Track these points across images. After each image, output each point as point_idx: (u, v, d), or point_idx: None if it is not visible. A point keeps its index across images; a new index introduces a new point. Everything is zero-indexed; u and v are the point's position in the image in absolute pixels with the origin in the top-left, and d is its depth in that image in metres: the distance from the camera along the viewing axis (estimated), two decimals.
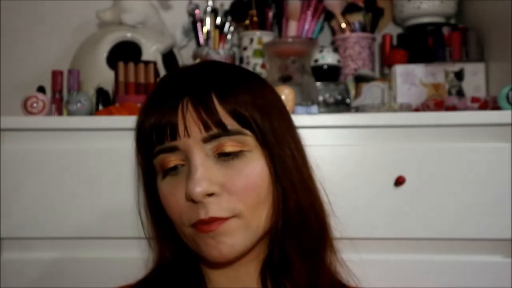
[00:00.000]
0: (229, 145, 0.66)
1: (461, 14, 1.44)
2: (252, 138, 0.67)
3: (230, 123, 0.66)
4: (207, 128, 0.66)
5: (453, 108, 1.10)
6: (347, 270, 0.84)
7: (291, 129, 0.74)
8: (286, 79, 1.21)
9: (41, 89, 1.23)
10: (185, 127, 0.66)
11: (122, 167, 1.01)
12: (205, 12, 1.44)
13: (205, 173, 0.64)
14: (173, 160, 0.67)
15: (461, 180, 1.01)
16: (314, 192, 0.74)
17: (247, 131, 0.67)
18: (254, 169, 0.67)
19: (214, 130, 0.66)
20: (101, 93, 1.18)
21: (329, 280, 0.75)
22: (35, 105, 1.08)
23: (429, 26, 1.38)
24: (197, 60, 1.37)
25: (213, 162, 0.66)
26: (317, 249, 0.73)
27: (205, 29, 1.44)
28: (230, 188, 0.65)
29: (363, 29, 1.41)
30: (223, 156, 0.66)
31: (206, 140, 0.66)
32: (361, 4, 1.41)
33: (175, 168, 0.67)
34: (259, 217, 0.68)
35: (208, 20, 1.44)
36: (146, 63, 1.21)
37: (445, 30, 1.34)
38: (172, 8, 1.52)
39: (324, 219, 0.74)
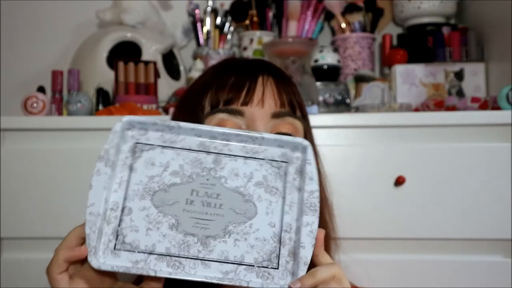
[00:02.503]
0: (287, 127, 0.70)
1: (461, 14, 1.44)
2: (302, 128, 0.72)
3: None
4: (282, 104, 0.70)
5: (453, 108, 1.10)
6: (347, 270, 0.84)
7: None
8: None
9: (41, 89, 1.23)
10: (262, 97, 0.69)
11: None
12: (205, 12, 1.44)
13: None
14: (231, 123, 0.68)
15: (461, 180, 1.01)
16: (327, 192, 0.79)
17: (303, 121, 0.73)
18: None
19: (286, 108, 0.71)
20: (101, 93, 1.18)
21: None
22: (35, 105, 1.08)
23: (429, 26, 1.38)
24: (197, 60, 1.37)
25: None
26: (327, 246, 0.75)
27: (205, 29, 1.44)
28: None
29: (363, 29, 1.40)
30: None
31: (275, 115, 0.70)
32: (361, 4, 1.41)
33: None
34: None
35: (208, 20, 1.44)
36: (146, 63, 1.21)
37: (445, 30, 1.34)
38: (172, 8, 1.52)
39: (333, 218, 0.79)
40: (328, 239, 0.80)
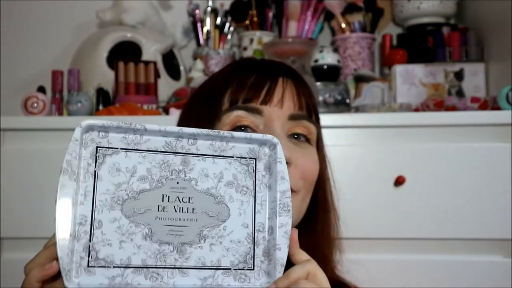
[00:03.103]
0: (302, 129, 0.71)
1: (461, 14, 1.44)
2: (315, 133, 0.73)
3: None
4: (300, 107, 0.71)
5: (453, 108, 1.10)
6: (347, 270, 0.84)
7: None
8: None
9: (41, 89, 1.23)
10: (282, 98, 0.70)
11: None
12: (205, 12, 1.44)
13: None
14: (248, 120, 0.69)
15: (461, 180, 1.01)
16: (333, 196, 0.80)
17: (316, 125, 0.74)
18: (315, 157, 0.72)
19: (304, 112, 0.71)
20: (101, 93, 1.18)
21: (330, 277, 0.76)
22: (35, 105, 1.08)
23: (429, 26, 1.38)
24: (197, 60, 1.37)
25: (284, 139, 0.69)
26: (330, 246, 0.78)
27: (205, 29, 1.44)
28: (297, 164, 0.68)
29: (363, 29, 1.41)
30: (293, 138, 0.70)
31: (292, 117, 0.70)
32: (361, 4, 1.41)
33: (245, 128, 0.69)
34: (307, 202, 0.72)
35: (208, 20, 1.44)
36: (146, 63, 1.21)
37: (445, 30, 1.34)
38: (172, 8, 1.52)
39: (338, 219, 0.80)
40: (334, 241, 0.80)
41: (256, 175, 0.58)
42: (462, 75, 1.27)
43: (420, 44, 1.32)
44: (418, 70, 1.28)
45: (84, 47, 1.34)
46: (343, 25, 1.41)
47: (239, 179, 0.58)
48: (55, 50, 1.51)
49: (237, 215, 0.57)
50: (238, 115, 0.69)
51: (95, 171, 0.55)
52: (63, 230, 0.52)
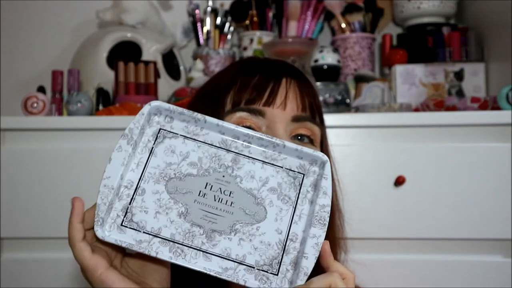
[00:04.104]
0: (305, 131, 0.71)
1: (461, 14, 1.44)
2: (319, 134, 0.73)
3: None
4: (303, 108, 0.70)
5: (453, 108, 1.10)
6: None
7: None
8: None
9: (41, 89, 1.23)
10: (285, 99, 0.69)
11: None
12: (205, 12, 1.44)
13: None
14: (251, 122, 0.69)
15: (461, 180, 1.01)
16: (338, 196, 0.81)
17: (320, 126, 0.73)
18: None
19: (307, 113, 0.71)
20: (101, 93, 1.18)
21: None
22: (35, 105, 1.08)
23: (429, 26, 1.38)
24: (197, 60, 1.37)
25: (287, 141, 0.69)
26: (335, 247, 0.78)
27: (205, 29, 1.44)
28: None
29: (363, 29, 1.41)
30: (296, 139, 0.70)
31: (296, 119, 0.70)
32: (361, 4, 1.41)
33: (248, 128, 0.69)
34: None
35: (208, 20, 1.44)
36: (146, 63, 1.21)
37: (445, 30, 1.34)
38: (172, 8, 1.52)
39: (343, 220, 0.81)
40: (339, 242, 0.81)
41: (301, 189, 0.60)
42: (462, 75, 1.27)
43: (420, 44, 1.32)
44: (418, 70, 1.28)
45: (84, 47, 1.34)
46: (343, 25, 1.41)
47: (283, 188, 0.60)
48: (55, 50, 1.51)
49: (273, 220, 0.58)
50: (240, 116, 0.69)
51: (152, 147, 0.60)
52: (108, 183, 0.57)
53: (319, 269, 0.56)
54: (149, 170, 0.59)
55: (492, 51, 1.27)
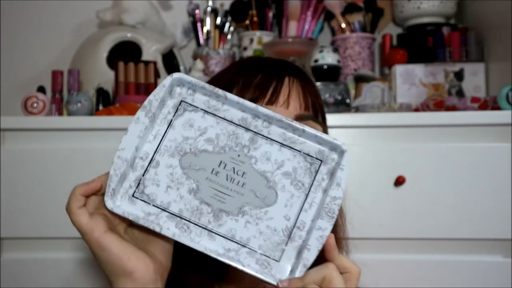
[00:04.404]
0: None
1: (461, 14, 1.44)
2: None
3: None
4: (306, 107, 0.70)
5: (453, 108, 1.10)
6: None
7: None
8: None
9: (41, 89, 1.23)
10: (288, 98, 0.69)
11: None
12: (205, 12, 1.44)
13: None
14: None
15: (461, 180, 1.01)
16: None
17: (323, 126, 0.73)
18: None
19: (310, 112, 0.70)
20: (101, 93, 1.18)
21: None
22: (35, 105, 1.08)
23: (429, 26, 1.38)
24: (197, 60, 1.37)
25: None
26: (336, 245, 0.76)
27: (205, 29, 1.44)
28: None
29: (363, 29, 1.41)
30: None
31: (298, 118, 0.69)
32: (361, 4, 1.41)
33: None
34: None
35: (208, 20, 1.44)
36: (146, 63, 1.21)
37: (445, 30, 1.34)
38: (172, 8, 1.52)
39: (345, 220, 0.81)
40: (341, 242, 0.81)
41: (316, 176, 0.59)
42: (462, 75, 1.27)
43: (420, 44, 1.32)
44: (418, 70, 1.28)
45: (84, 47, 1.34)
46: (343, 25, 1.41)
47: (298, 174, 0.59)
48: (55, 50, 1.51)
49: (283, 205, 0.57)
50: None
51: (171, 120, 0.60)
52: (122, 154, 0.57)
53: (323, 262, 0.55)
54: (166, 143, 0.59)
55: (492, 51, 1.27)
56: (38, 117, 1.07)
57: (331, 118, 1.04)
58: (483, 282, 1.00)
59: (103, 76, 1.25)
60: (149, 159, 0.58)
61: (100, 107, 1.17)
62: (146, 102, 0.59)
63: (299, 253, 0.56)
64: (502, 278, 1.00)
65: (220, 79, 0.76)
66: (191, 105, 0.60)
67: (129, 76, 1.18)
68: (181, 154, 0.58)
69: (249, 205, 0.57)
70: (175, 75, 0.60)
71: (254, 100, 0.69)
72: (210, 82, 0.79)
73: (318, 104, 0.73)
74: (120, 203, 0.56)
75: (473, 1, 1.40)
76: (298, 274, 0.54)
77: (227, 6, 1.45)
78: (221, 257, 0.55)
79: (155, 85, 1.19)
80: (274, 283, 0.54)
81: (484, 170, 1.01)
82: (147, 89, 1.19)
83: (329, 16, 1.44)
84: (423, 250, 1.03)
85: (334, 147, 0.59)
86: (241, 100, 0.59)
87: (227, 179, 0.57)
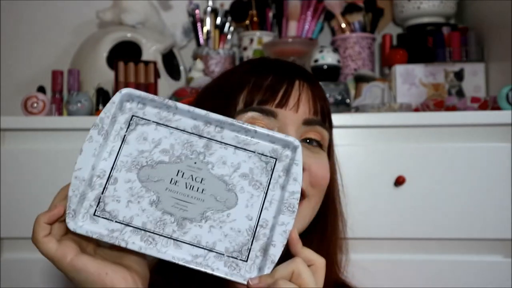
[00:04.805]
0: (315, 135, 0.70)
1: (461, 14, 1.44)
2: (328, 139, 0.72)
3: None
4: (315, 112, 0.70)
5: (453, 108, 1.10)
6: (347, 270, 0.84)
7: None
8: None
9: (41, 89, 1.23)
10: (298, 101, 0.69)
11: None
12: (205, 12, 1.44)
13: None
14: (262, 123, 0.68)
15: (461, 180, 1.01)
16: (341, 201, 0.81)
17: (329, 131, 0.73)
18: (327, 164, 0.72)
19: (318, 117, 0.70)
20: (101, 93, 1.18)
21: (334, 278, 0.77)
22: (35, 105, 1.08)
23: (429, 26, 1.38)
24: (197, 60, 1.37)
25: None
26: (334, 248, 0.78)
27: (205, 29, 1.44)
28: (310, 171, 0.67)
29: (363, 29, 1.41)
30: (305, 143, 0.70)
31: (307, 122, 0.69)
32: (361, 4, 1.41)
33: None
34: (317, 209, 0.71)
35: (208, 20, 1.44)
36: (146, 63, 1.21)
37: (445, 30, 1.34)
38: (172, 8, 1.52)
39: (345, 225, 0.81)
40: (340, 245, 0.81)
41: (273, 174, 0.59)
42: (462, 75, 1.27)
43: (420, 44, 1.32)
44: (418, 70, 1.28)
45: (84, 47, 1.34)
46: (343, 25, 1.41)
47: (255, 174, 0.59)
48: (55, 50, 1.51)
49: (244, 206, 0.58)
50: (252, 116, 0.68)
51: (124, 135, 0.60)
52: (79, 174, 0.57)
53: (290, 256, 0.56)
54: (121, 159, 0.59)
55: (492, 51, 1.27)
56: (38, 117, 1.07)
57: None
58: (483, 282, 1.00)
59: (103, 76, 1.25)
60: (106, 176, 0.58)
61: (100, 107, 1.17)
62: (97, 120, 0.59)
63: (265, 251, 0.56)
64: (502, 278, 1.00)
65: (229, 78, 0.75)
66: (143, 118, 0.60)
67: (129, 76, 1.18)
68: (138, 167, 0.58)
69: (211, 210, 0.57)
70: (124, 90, 0.60)
71: (264, 102, 0.68)
72: (215, 82, 0.78)
73: (326, 109, 0.73)
74: (83, 223, 0.56)
75: (473, 1, 1.40)
76: (267, 270, 0.55)
77: (227, 6, 1.45)
78: (188, 264, 0.55)
79: (155, 85, 1.19)
80: (244, 282, 0.55)
81: (484, 170, 1.01)
82: (147, 89, 1.19)
83: (329, 16, 1.44)
84: (423, 250, 1.03)
85: (287, 144, 0.60)
86: (191, 108, 0.60)
87: (186, 187, 0.58)
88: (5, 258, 1.05)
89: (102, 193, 0.57)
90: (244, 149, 0.60)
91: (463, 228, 1.01)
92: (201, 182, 0.58)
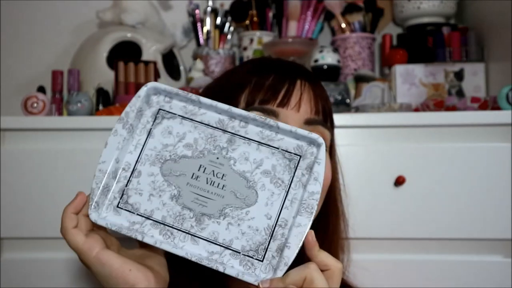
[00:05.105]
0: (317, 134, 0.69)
1: (461, 14, 1.44)
2: (329, 139, 0.72)
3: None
4: (317, 112, 0.70)
5: (453, 108, 1.10)
6: (348, 270, 0.84)
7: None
8: None
9: (41, 89, 1.23)
10: (299, 101, 0.69)
11: None
12: (205, 12, 1.44)
13: None
14: None
15: (461, 180, 1.01)
16: (342, 201, 0.81)
17: (331, 131, 0.72)
18: (329, 163, 0.71)
19: (320, 117, 0.70)
20: (101, 93, 1.18)
21: None
22: (35, 105, 1.08)
23: (429, 26, 1.38)
24: (197, 60, 1.37)
25: None
26: (336, 248, 0.79)
27: (205, 29, 1.44)
28: None
29: (363, 29, 1.41)
30: None
31: (308, 122, 0.69)
32: (361, 4, 1.41)
33: None
34: (318, 208, 0.70)
35: (208, 20, 1.44)
36: (146, 63, 1.21)
37: (445, 30, 1.34)
38: (172, 8, 1.52)
39: (347, 225, 0.82)
40: (341, 245, 0.81)
41: (296, 173, 0.59)
42: (462, 75, 1.27)
43: (420, 44, 1.32)
44: (418, 70, 1.28)
45: (84, 47, 1.34)
46: (343, 25, 1.41)
47: (277, 171, 0.59)
48: (55, 50, 1.51)
49: (264, 204, 0.57)
50: None
51: (150, 129, 0.61)
52: (103, 167, 0.58)
53: (306, 259, 0.55)
54: (146, 152, 0.60)
55: (492, 51, 1.27)
56: (38, 117, 1.07)
57: None
58: (483, 282, 1.00)
59: (103, 76, 1.25)
60: (131, 169, 0.59)
61: (100, 107, 1.17)
62: (123, 114, 0.60)
63: (281, 252, 0.55)
64: (502, 278, 1.00)
65: (231, 78, 0.75)
66: (169, 112, 0.61)
67: (129, 76, 1.18)
68: (161, 161, 0.59)
69: (230, 206, 0.57)
70: (150, 84, 0.61)
71: (265, 101, 0.68)
72: (217, 82, 0.78)
73: (328, 108, 0.73)
74: (106, 215, 0.57)
75: (473, 1, 1.40)
76: (280, 273, 0.54)
77: (227, 6, 1.45)
78: (201, 261, 0.55)
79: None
80: (255, 283, 0.54)
81: (484, 170, 1.01)
82: None
83: (329, 16, 1.44)
84: (423, 250, 1.03)
85: (311, 141, 0.59)
86: (214, 102, 0.60)
87: (207, 183, 0.58)
88: (5, 258, 1.05)
89: (126, 185, 0.58)
90: (268, 145, 0.59)
91: (463, 228, 1.01)
92: (222, 178, 0.58)
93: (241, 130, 0.60)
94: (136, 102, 0.60)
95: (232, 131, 0.60)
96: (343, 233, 0.81)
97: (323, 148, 0.58)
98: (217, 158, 0.59)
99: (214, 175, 0.58)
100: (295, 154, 0.59)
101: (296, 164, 0.59)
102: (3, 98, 1.49)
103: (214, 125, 0.60)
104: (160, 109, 0.61)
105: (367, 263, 0.97)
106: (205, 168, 0.58)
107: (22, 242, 1.05)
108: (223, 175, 0.58)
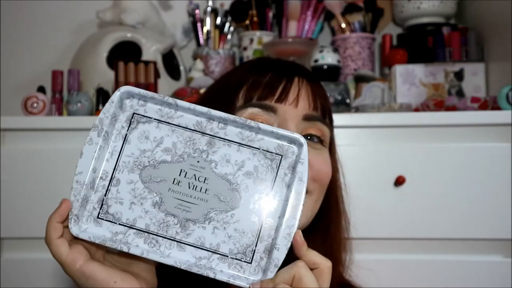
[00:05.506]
0: (315, 131, 0.70)
1: (461, 14, 1.44)
2: (329, 136, 0.72)
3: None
4: (315, 108, 0.70)
5: (453, 108, 1.10)
6: (348, 270, 0.84)
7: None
8: None
9: (41, 89, 1.23)
10: (297, 97, 0.69)
11: None
12: (205, 12, 1.44)
13: None
14: (262, 118, 0.68)
15: (461, 180, 1.01)
16: (343, 199, 0.81)
17: (330, 128, 0.73)
18: (328, 160, 0.72)
19: (318, 113, 0.70)
20: (101, 93, 1.18)
21: (338, 278, 0.77)
22: (35, 105, 1.08)
23: (429, 26, 1.38)
24: (197, 60, 1.37)
25: None
26: (339, 249, 0.78)
27: (205, 29, 1.44)
28: (312, 166, 0.66)
29: (363, 29, 1.40)
30: (306, 139, 0.68)
31: (307, 118, 0.69)
32: (361, 4, 1.41)
33: None
34: (319, 204, 0.71)
35: (208, 20, 1.44)
36: (146, 63, 1.21)
37: (445, 30, 1.34)
38: (172, 8, 1.52)
39: (349, 223, 0.81)
40: (344, 244, 0.81)
41: (278, 172, 0.58)
42: (462, 75, 1.27)
43: (420, 44, 1.32)
44: (418, 70, 1.28)
45: (84, 47, 1.34)
46: (343, 25, 1.41)
47: (260, 172, 0.58)
48: (55, 50, 1.51)
49: (248, 206, 0.57)
50: (252, 112, 0.68)
51: (126, 134, 0.58)
52: (80, 178, 0.56)
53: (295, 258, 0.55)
54: (124, 159, 0.58)
55: (492, 51, 1.27)
56: (38, 117, 1.07)
57: None
58: (483, 282, 1.00)
59: (103, 76, 1.25)
60: (109, 177, 0.57)
61: (100, 107, 1.17)
62: (97, 121, 0.58)
63: (270, 253, 0.55)
64: (502, 278, 1.00)
65: (230, 77, 0.75)
66: (144, 116, 0.59)
67: (129, 76, 1.18)
68: (140, 168, 0.57)
69: (214, 210, 0.56)
70: (123, 88, 0.59)
71: (263, 97, 0.68)
72: (218, 81, 0.79)
73: (326, 106, 0.73)
74: (87, 226, 0.56)
75: (473, 1, 1.40)
76: (270, 274, 0.54)
77: (227, 6, 1.45)
78: (191, 269, 0.54)
79: (155, 85, 1.19)
80: (246, 285, 0.54)
81: (484, 170, 1.01)
82: (147, 89, 1.18)
83: (329, 16, 1.44)
84: (423, 250, 1.03)
85: (292, 140, 0.58)
86: (192, 105, 0.58)
87: (189, 187, 0.57)
88: (5, 258, 1.05)
89: (105, 195, 0.57)
90: (249, 146, 0.58)
91: (463, 228, 1.01)
92: (204, 182, 0.57)
93: (220, 131, 0.58)
94: (109, 107, 0.58)
95: (211, 133, 0.58)
96: (345, 232, 0.81)
97: (305, 147, 0.57)
98: (198, 161, 0.57)
99: (196, 179, 0.57)
100: (276, 154, 0.58)
101: (278, 164, 0.58)
102: (3, 98, 1.49)
103: (192, 128, 0.58)
104: (134, 113, 0.59)
105: (367, 263, 0.97)
106: (186, 172, 0.57)
107: (22, 242, 1.05)
108: (205, 178, 0.57)
